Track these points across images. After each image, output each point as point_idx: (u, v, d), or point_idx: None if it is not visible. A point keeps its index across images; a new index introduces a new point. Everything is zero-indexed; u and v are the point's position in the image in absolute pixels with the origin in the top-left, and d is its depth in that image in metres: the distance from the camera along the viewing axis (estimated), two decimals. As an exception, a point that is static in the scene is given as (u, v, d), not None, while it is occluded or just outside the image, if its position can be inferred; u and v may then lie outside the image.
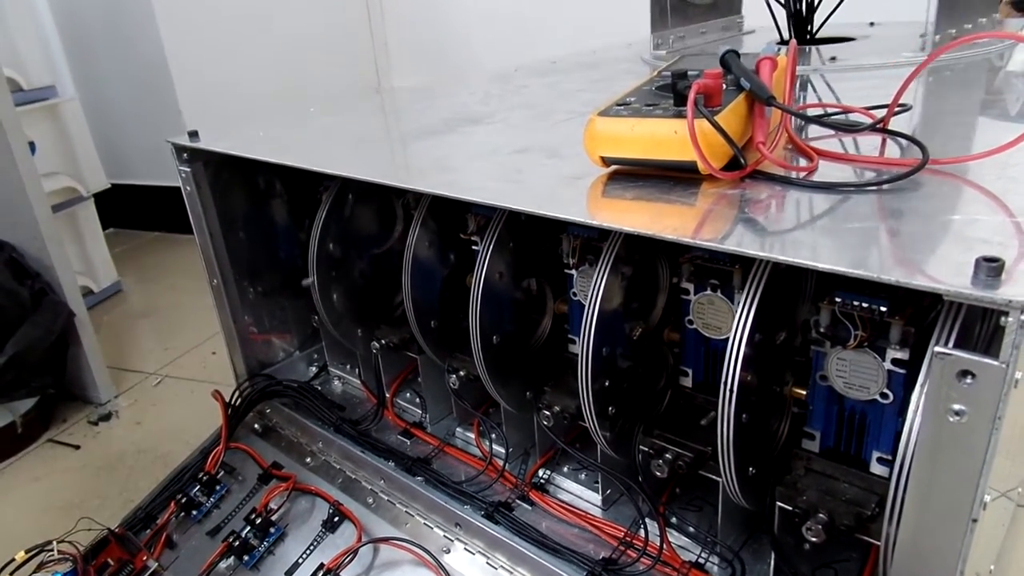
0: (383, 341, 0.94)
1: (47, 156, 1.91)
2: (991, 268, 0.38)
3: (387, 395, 0.99)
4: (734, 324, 0.57)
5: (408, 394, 1.01)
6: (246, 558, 0.84)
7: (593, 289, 0.65)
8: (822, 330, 0.59)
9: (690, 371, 0.73)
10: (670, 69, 0.65)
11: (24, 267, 1.45)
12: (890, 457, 0.59)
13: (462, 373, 0.86)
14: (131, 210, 2.67)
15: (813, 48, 1.13)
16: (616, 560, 0.70)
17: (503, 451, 0.86)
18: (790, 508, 0.60)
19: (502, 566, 0.73)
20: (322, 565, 0.78)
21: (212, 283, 1.01)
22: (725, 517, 0.68)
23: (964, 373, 0.41)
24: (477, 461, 0.87)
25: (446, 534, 0.78)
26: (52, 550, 0.82)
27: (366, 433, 0.94)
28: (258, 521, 0.85)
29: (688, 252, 0.68)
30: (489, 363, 0.77)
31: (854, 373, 0.59)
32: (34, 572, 0.81)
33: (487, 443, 0.88)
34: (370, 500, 0.86)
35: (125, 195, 2.54)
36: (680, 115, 0.56)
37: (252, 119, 1.05)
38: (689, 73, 0.58)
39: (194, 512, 0.92)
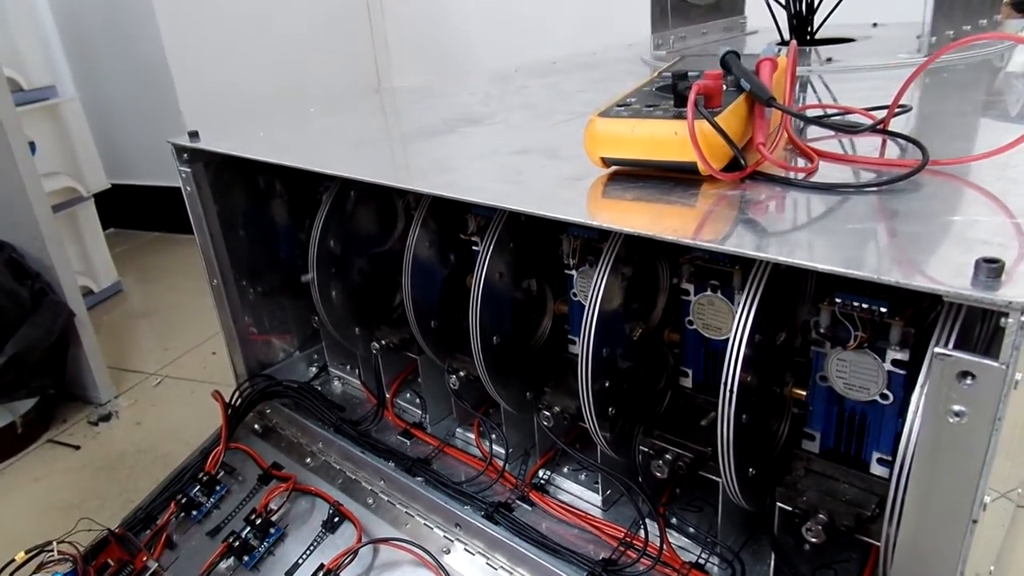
0: (383, 341, 0.94)
1: (47, 156, 1.91)
2: (991, 269, 0.38)
3: (387, 395, 0.99)
4: (734, 325, 0.57)
5: (408, 394, 1.01)
6: (246, 559, 0.84)
7: (593, 290, 0.65)
8: (822, 331, 0.59)
9: (690, 372, 0.74)
10: (670, 70, 0.65)
11: (24, 267, 1.45)
12: (890, 458, 0.59)
13: (462, 373, 0.86)
14: (131, 210, 2.67)
15: (812, 49, 1.13)
16: (616, 561, 0.70)
17: (503, 451, 0.86)
18: (790, 509, 0.60)
19: (502, 567, 0.73)
20: (322, 566, 0.78)
21: (212, 283, 1.01)
22: (725, 518, 0.68)
23: (964, 374, 0.41)
24: (477, 462, 0.87)
25: (446, 535, 0.78)
26: (52, 550, 0.82)
27: (366, 434, 0.94)
28: (258, 521, 0.85)
29: (688, 253, 0.68)
30: (489, 363, 0.77)
31: (854, 374, 0.59)
32: (34, 573, 0.81)
33: (487, 444, 0.88)
34: (370, 501, 0.86)
35: (125, 195, 2.54)
36: (680, 116, 0.56)
37: (252, 119, 1.05)
38: (689, 74, 0.58)
39: (194, 512, 0.92)
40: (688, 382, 0.74)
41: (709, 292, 0.68)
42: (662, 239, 0.50)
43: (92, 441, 1.44)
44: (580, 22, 2.39)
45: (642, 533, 0.72)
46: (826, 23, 1.18)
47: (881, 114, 0.65)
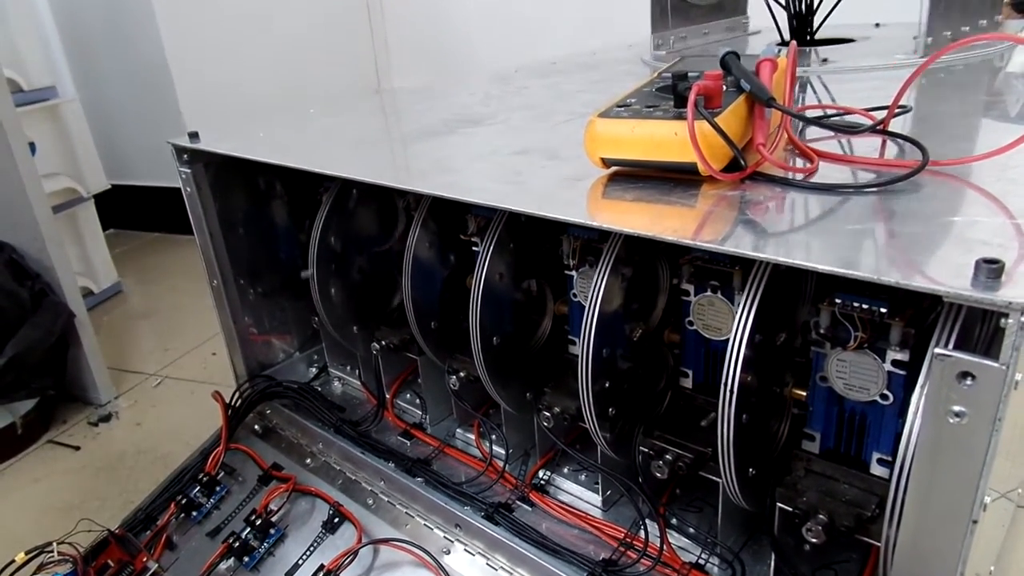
0: (383, 342, 0.94)
1: (47, 157, 1.91)
2: (991, 270, 0.38)
3: (387, 396, 0.99)
4: (734, 325, 0.57)
5: (408, 395, 1.01)
6: (246, 559, 0.84)
7: (593, 290, 0.65)
8: (822, 331, 0.59)
9: (690, 372, 0.74)
10: (670, 71, 0.65)
11: (24, 268, 1.45)
12: (890, 458, 0.59)
13: (462, 374, 0.86)
14: (131, 211, 2.67)
15: (813, 50, 1.13)
16: (616, 561, 0.70)
17: (503, 452, 0.86)
18: (790, 509, 0.60)
19: (502, 567, 0.73)
20: (322, 566, 0.78)
21: (212, 284, 1.01)
22: (725, 518, 0.68)
23: (964, 375, 0.41)
24: (477, 462, 0.87)
25: (446, 535, 0.78)
26: (52, 551, 0.82)
27: (366, 434, 0.94)
28: (258, 522, 0.85)
29: (688, 253, 0.68)
30: (489, 364, 0.77)
31: (854, 374, 0.59)
32: (34, 573, 0.81)
33: (487, 444, 0.88)
34: (370, 501, 0.86)
35: (125, 196, 2.54)
36: (680, 117, 0.56)
37: (252, 119, 1.05)
38: (689, 74, 0.58)
39: (194, 513, 0.92)
40: (688, 383, 0.74)
41: (709, 293, 0.68)
42: (662, 239, 0.50)
43: (92, 442, 1.44)
44: (580, 22, 2.39)
45: (642, 533, 0.72)
46: (829, 23, 1.18)
47: (881, 115, 0.65)
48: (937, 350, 0.42)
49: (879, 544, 0.52)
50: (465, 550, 0.76)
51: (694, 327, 0.70)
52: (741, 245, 0.48)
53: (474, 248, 0.84)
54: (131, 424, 1.49)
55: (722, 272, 0.66)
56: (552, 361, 0.84)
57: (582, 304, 0.72)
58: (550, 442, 0.83)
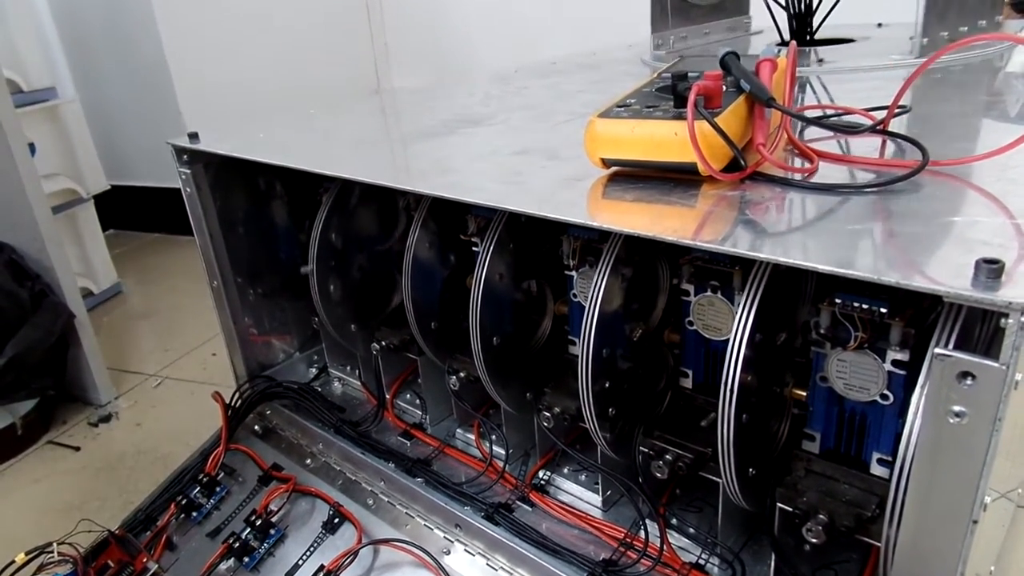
0: (383, 342, 0.94)
1: (47, 157, 1.92)
2: (991, 270, 0.38)
3: (387, 396, 0.99)
4: (734, 325, 0.57)
5: (408, 395, 1.01)
6: (246, 560, 0.84)
7: (593, 290, 0.65)
8: (822, 331, 0.59)
9: (690, 372, 0.74)
10: (670, 71, 0.65)
11: (24, 268, 1.45)
12: (890, 458, 0.59)
13: (462, 374, 0.86)
14: (131, 211, 2.67)
15: (812, 50, 1.13)
16: (616, 561, 0.70)
17: (503, 452, 0.86)
18: (790, 509, 0.60)
19: (502, 567, 0.73)
20: (322, 567, 0.78)
21: (212, 284, 1.01)
22: (725, 518, 0.68)
23: (964, 375, 0.41)
24: (477, 462, 0.87)
25: (446, 535, 0.78)
26: (52, 552, 0.82)
27: (366, 434, 0.94)
28: (258, 523, 0.85)
29: (688, 253, 0.68)
30: (489, 364, 0.77)
31: (854, 374, 0.59)
32: (35, 574, 0.81)
33: (487, 444, 0.88)
34: (370, 501, 0.86)
35: (125, 196, 2.54)
36: (680, 117, 0.56)
37: (252, 120, 1.05)
38: (689, 75, 0.58)
39: (194, 514, 0.92)
40: (688, 383, 0.74)
41: (709, 293, 0.68)
42: (662, 240, 0.50)
43: (92, 442, 1.44)
44: (580, 22, 2.39)
45: (642, 534, 0.72)
46: (834, 23, 1.18)
47: (881, 115, 0.65)
48: (937, 350, 0.42)
49: (879, 544, 0.52)
50: (465, 550, 0.76)
51: (694, 327, 0.70)
52: (741, 245, 0.48)
53: (474, 248, 0.84)
54: (131, 424, 1.49)
55: (722, 272, 0.66)
56: (552, 361, 0.84)
57: (582, 304, 0.72)
58: (550, 442, 0.83)
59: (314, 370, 1.14)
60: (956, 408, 0.42)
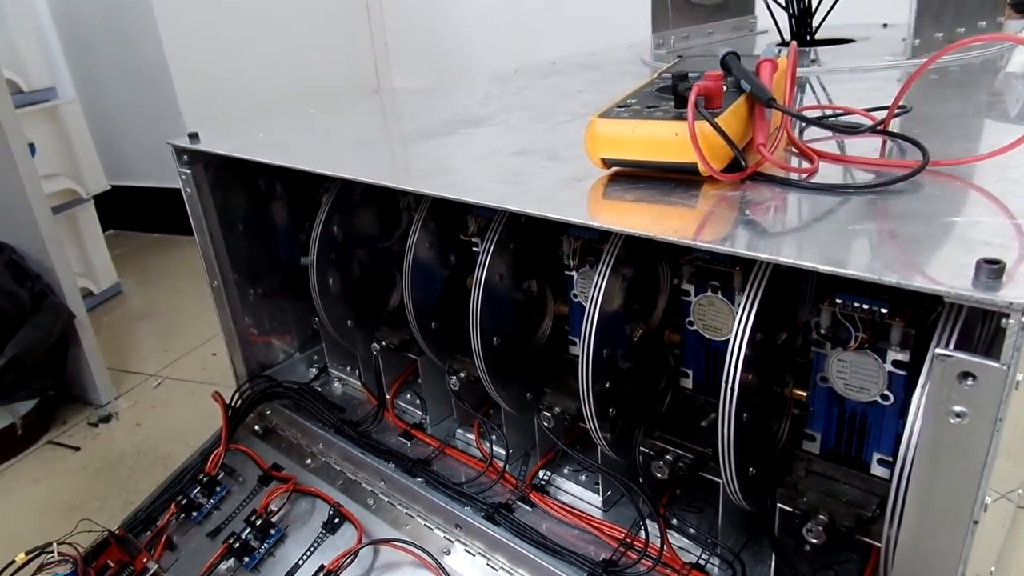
0: (383, 342, 0.94)
1: (47, 158, 1.91)
2: (992, 270, 0.38)
3: (387, 396, 0.99)
4: (735, 325, 0.57)
5: (408, 395, 1.01)
6: (246, 560, 0.84)
7: (594, 291, 0.65)
8: (823, 331, 0.59)
9: (690, 372, 0.73)
10: (670, 71, 0.65)
11: (24, 269, 1.45)
12: (891, 459, 0.59)
13: (462, 374, 0.86)
14: (131, 212, 2.67)
15: (812, 50, 1.13)
16: (616, 562, 0.70)
17: (503, 452, 0.86)
18: (791, 509, 0.60)
19: (502, 567, 0.73)
20: (322, 567, 0.78)
21: (212, 284, 1.01)
22: (726, 518, 0.68)
23: (965, 375, 0.41)
24: (477, 462, 0.87)
25: (446, 535, 0.78)
26: (52, 552, 0.82)
27: (366, 435, 0.94)
28: (258, 523, 0.85)
29: (689, 254, 0.68)
30: (489, 364, 0.77)
31: (855, 374, 0.59)
32: (35, 574, 0.81)
33: (487, 444, 0.88)
34: (370, 501, 0.86)
35: (125, 197, 2.54)
36: (681, 117, 0.56)
37: (252, 120, 1.05)
38: (690, 75, 0.58)
39: (194, 514, 0.92)
40: (688, 383, 0.74)
41: (710, 293, 0.68)
42: (663, 240, 0.50)
43: (92, 442, 1.44)
44: (580, 22, 2.39)
45: (642, 534, 0.72)
46: (837, 24, 1.18)
47: (881, 115, 0.65)
48: (938, 350, 0.42)
49: (879, 545, 0.52)
50: (465, 550, 0.76)
51: (694, 327, 0.70)
52: (741, 245, 0.48)
53: (474, 248, 0.84)
54: (131, 425, 1.49)
55: (722, 272, 0.66)
56: (552, 361, 0.84)
57: (582, 304, 0.72)
58: (550, 442, 0.83)
59: (314, 370, 1.14)
60: (957, 408, 0.42)
